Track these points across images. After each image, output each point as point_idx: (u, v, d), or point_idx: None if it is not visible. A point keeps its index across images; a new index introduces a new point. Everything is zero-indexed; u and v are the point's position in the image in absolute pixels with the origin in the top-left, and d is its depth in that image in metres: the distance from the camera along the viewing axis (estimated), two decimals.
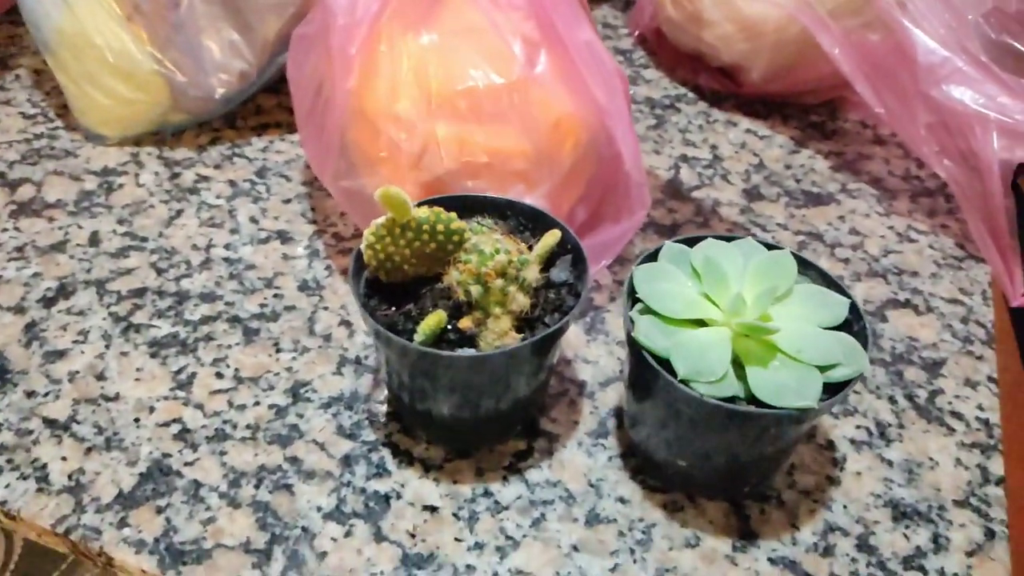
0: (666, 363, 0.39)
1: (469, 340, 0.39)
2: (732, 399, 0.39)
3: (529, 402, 0.44)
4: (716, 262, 0.42)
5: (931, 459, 0.47)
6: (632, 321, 0.41)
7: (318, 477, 0.44)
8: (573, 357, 0.51)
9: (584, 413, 0.48)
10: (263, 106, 0.67)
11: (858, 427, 0.48)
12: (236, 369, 0.48)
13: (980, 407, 0.50)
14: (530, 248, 0.43)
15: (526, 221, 0.45)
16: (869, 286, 0.57)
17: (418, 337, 0.37)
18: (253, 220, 0.58)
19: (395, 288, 0.42)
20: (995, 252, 0.59)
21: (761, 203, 0.63)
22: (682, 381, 0.38)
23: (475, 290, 0.38)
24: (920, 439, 0.48)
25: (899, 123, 0.60)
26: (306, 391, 0.48)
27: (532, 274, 0.39)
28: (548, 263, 0.43)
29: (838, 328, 0.42)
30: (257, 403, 0.47)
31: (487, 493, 0.44)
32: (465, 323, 0.39)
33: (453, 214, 0.40)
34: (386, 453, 0.45)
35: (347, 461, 0.44)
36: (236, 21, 0.58)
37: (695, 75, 0.74)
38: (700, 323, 0.42)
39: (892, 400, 0.50)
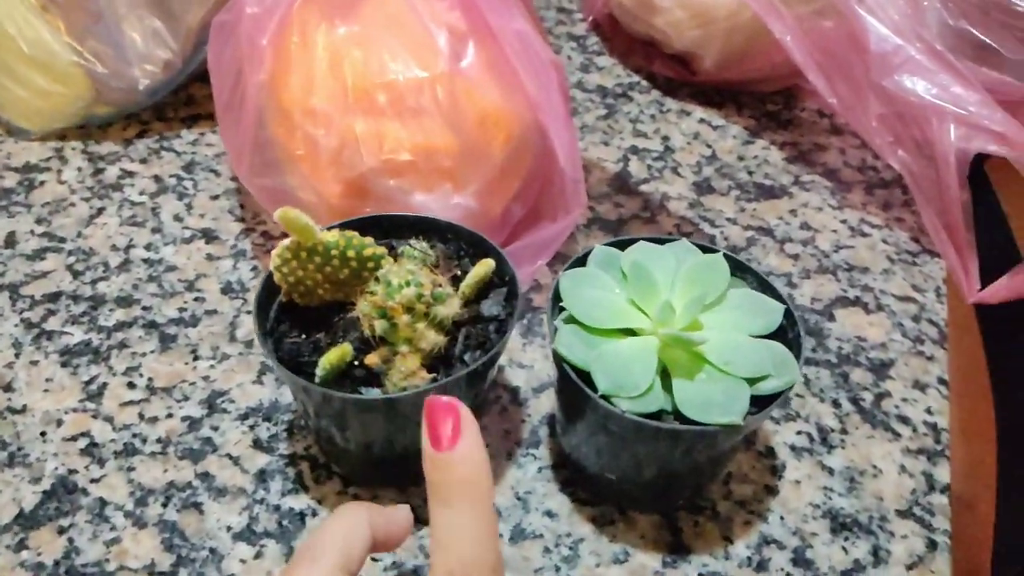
0: (588, 375, 0.37)
1: (377, 377, 0.37)
2: (659, 413, 0.37)
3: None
4: (645, 267, 0.40)
5: (874, 466, 0.45)
6: (555, 330, 0.39)
7: (230, 494, 0.42)
8: (507, 362, 0.49)
9: (516, 421, 0.46)
10: (195, 96, 0.64)
11: (799, 433, 0.46)
12: (150, 378, 0.46)
13: (928, 411, 0.48)
14: (461, 277, 0.40)
15: (467, 246, 0.42)
16: (818, 283, 0.55)
17: (319, 373, 0.35)
18: (177, 218, 0.55)
19: (310, 312, 0.39)
20: (950, 246, 0.57)
21: (711, 197, 0.61)
22: (603, 396, 0.36)
23: (380, 325, 0.35)
24: (864, 445, 0.46)
25: (852, 113, 0.57)
26: (223, 401, 0.45)
27: (449, 310, 0.36)
28: (482, 294, 0.40)
29: (773, 335, 0.40)
30: (170, 415, 0.45)
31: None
32: (372, 359, 0.36)
33: (369, 239, 0.37)
34: (304, 467, 0.43)
35: (262, 476, 0.42)
36: (159, 9, 0.56)
37: (649, 62, 0.71)
38: (629, 332, 0.40)
39: (836, 404, 0.48)
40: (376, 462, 0.41)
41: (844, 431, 0.47)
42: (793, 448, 0.46)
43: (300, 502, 0.41)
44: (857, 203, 0.61)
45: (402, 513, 0.33)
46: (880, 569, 0.41)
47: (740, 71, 0.66)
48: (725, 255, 0.42)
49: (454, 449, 0.28)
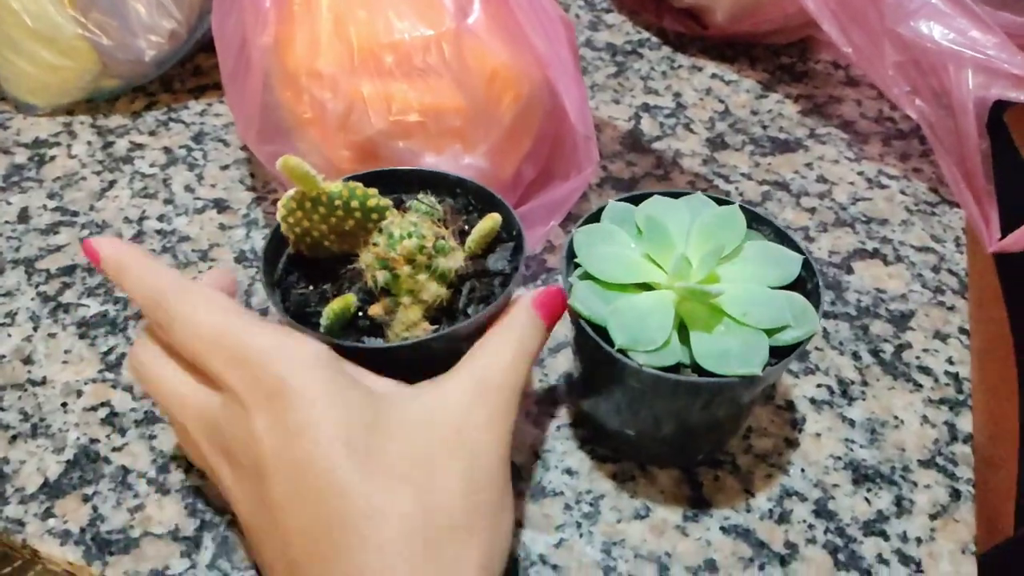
0: (605, 331, 0.37)
1: (381, 328, 0.37)
2: (676, 366, 0.36)
3: None
4: (659, 221, 0.40)
5: (896, 417, 0.45)
6: (570, 286, 0.39)
7: None
8: None
9: (533, 381, 0.46)
10: (201, 66, 0.64)
11: (819, 386, 0.46)
12: None
13: (950, 360, 0.48)
14: (468, 231, 0.40)
15: (476, 201, 0.42)
16: (835, 236, 0.54)
17: (323, 322, 0.35)
18: (188, 189, 0.55)
19: (319, 264, 0.39)
20: (970, 196, 0.56)
21: (725, 152, 0.60)
22: (620, 350, 0.36)
23: (382, 276, 0.35)
24: (884, 397, 0.46)
25: (868, 63, 0.56)
26: None
27: (452, 262, 0.36)
28: (489, 249, 0.40)
29: (791, 286, 0.39)
30: None
31: None
32: (375, 310, 0.36)
33: (373, 190, 0.36)
34: None
35: None
36: None
37: (659, 18, 0.70)
38: (645, 287, 0.39)
39: (856, 356, 0.48)
40: None
41: (865, 383, 0.46)
42: (813, 401, 0.45)
43: None
44: (874, 155, 0.60)
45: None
46: (904, 519, 0.41)
47: (752, 23, 0.65)
48: (741, 207, 0.42)
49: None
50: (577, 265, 0.40)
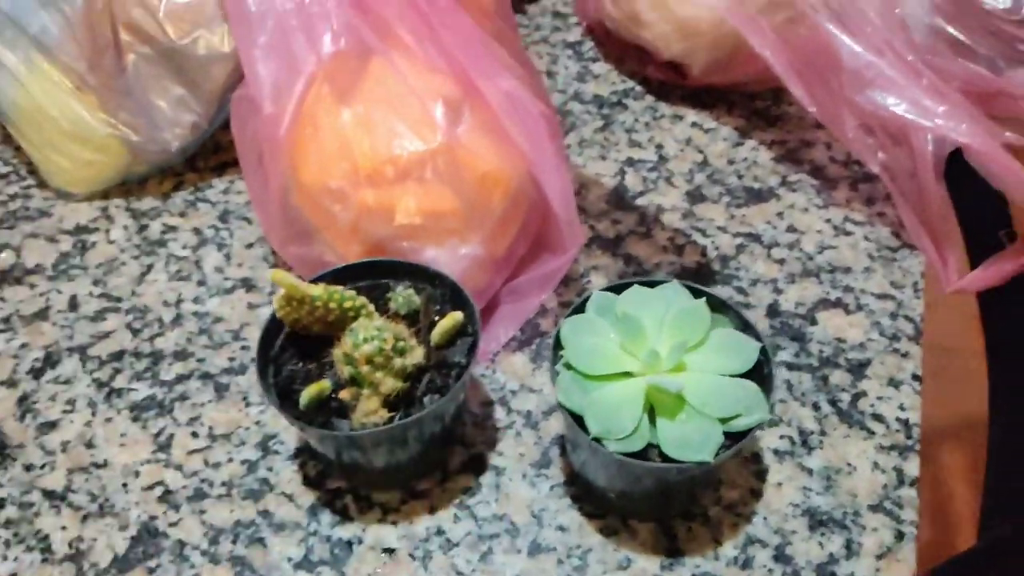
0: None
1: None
2: (646, 449, 0.42)
3: (438, 447, 0.50)
4: (633, 317, 0.45)
5: (849, 464, 0.51)
6: (556, 375, 0.45)
7: (288, 528, 0.49)
8: (519, 387, 0.55)
9: (529, 444, 0.52)
10: (220, 143, 0.70)
11: (782, 437, 0.52)
12: (210, 427, 0.53)
13: (901, 407, 0.53)
14: (437, 320, 0.47)
15: (450, 293, 0.49)
16: (802, 287, 0.60)
17: (302, 403, 0.44)
18: (218, 270, 0.61)
19: (311, 341, 0.47)
20: (928, 241, 0.61)
21: (703, 205, 0.65)
22: (595, 439, 0.42)
23: (347, 370, 0.43)
24: (840, 445, 0.52)
25: (831, 122, 0.61)
26: (274, 443, 0.52)
27: (411, 359, 0.44)
28: (451, 341, 0.47)
29: (752, 370, 0.45)
30: (230, 459, 0.52)
31: (440, 531, 0.48)
32: (344, 395, 0.44)
33: (350, 292, 0.45)
34: (348, 499, 0.50)
35: (313, 510, 0.49)
36: (181, 78, 0.61)
37: (643, 67, 0.75)
38: (625, 374, 0.45)
39: (816, 407, 0.53)
40: (358, 469, 0.49)
41: (823, 432, 0.52)
42: (776, 452, 0.51)
43: (347, 531, 0.48)
44: (841, 200, 0.65)
45: None
46: (852, 561, 0.47)
47: (727, 77, 0.69)
48: (709, 297, 0.47)
49: None
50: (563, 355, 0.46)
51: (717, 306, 0.48)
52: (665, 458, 0.42)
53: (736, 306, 0.47)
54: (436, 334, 0.46)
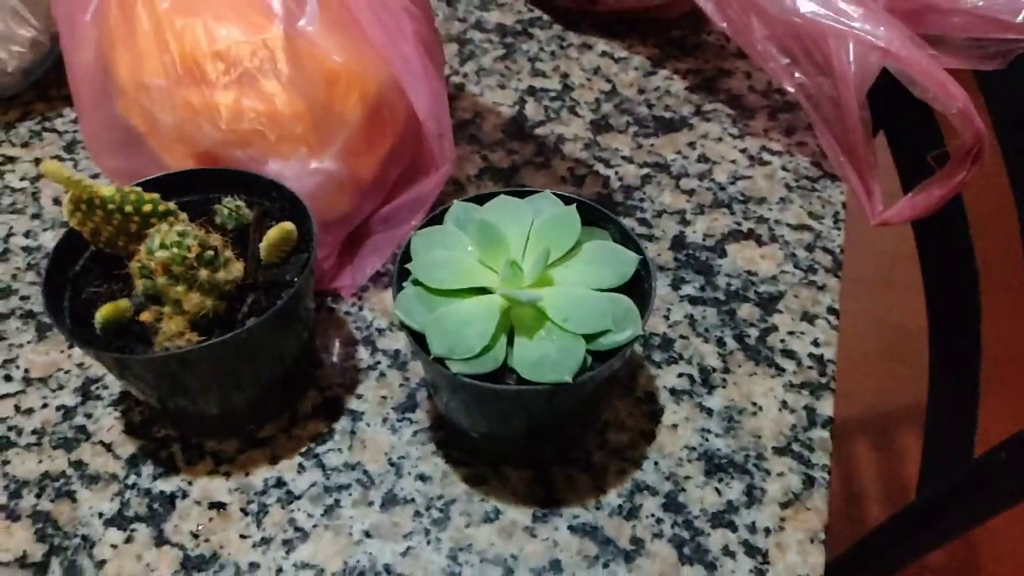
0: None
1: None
2: (501, 372, 0.36)
3: (282, 388, 0.43)
4: (492, 225, 0.39)
5: (755, 404, 0.45)
6: (400, 290, 0.39)
7: (102, 480, 0.42)
8: (387, 326, 0.48)
9: (394, 386, 0.46)
10: None
11: (680, 375, 0.46)
12: (26, 370, 0.46)
13: (815, 343, 0.48)
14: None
15: (289, 207, 0.42)
16: (712, 218, 0.54)
17: (96, 323, 0.36)
18: (57, 202, 0.54)
19: (120, 262, 0.39)
20: (851, 169, 0.55)
21: (608, 135, 0.59)
22: (437, 359, 0.36)
23: (142, 284, 0.36)
24: (745, 383, 0.46)
25: (743, 38, 0.55)
26: (97, 388, 0.45)
27: (225, 274, 0.37)
28: (286, 259, 0.40)
29: (629, 287, 0.39)
30: (45, 405, 0.45)
31: (280, 483, 0.42)
32: (145, 316, 0.37)
33: (152, 195, 0.38)
34: (176, 448, 0.43)
35: (134, 461, 0.42)
36: None
37: None
38: (481, 291, 0.39)
39: (720, 343, 0.47)
40: (185, 416, 0.42)
41: (727, 370, 0.46)
42: (673, 392, 0.45)
43: (170, 484, 0.42)
44: (759, 130, 0.59)
45: None
46: (753, 509, 0.41)
47: (638, 0, 0.64)
48: (588, 205, 0.41)
49: None
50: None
51: (597, 218, 0.41)
52: (523, 382, 0.36)
53: (616, 216, 0.41)
54: (263, 248, 0.39)
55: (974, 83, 0.60)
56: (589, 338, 0.36)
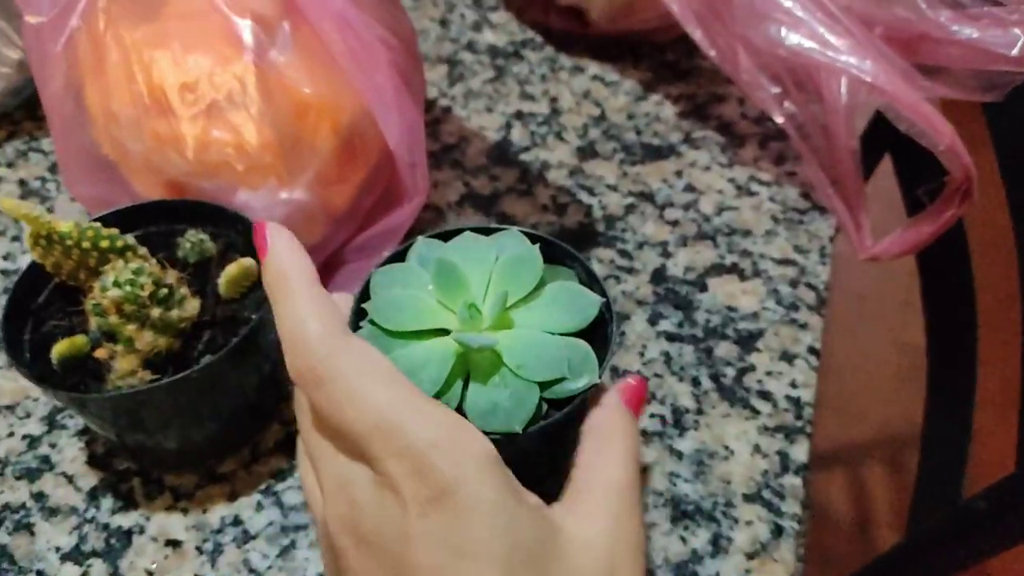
0: None
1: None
2: None
3: (243, 423, 0.43)
4: (452, 266, 0.38)
5: (726, 447, 0.44)
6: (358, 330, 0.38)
7: (62, 513, 0.41)
8: None
9: None
10: None
11: (652, 416, 0.45)
12: None
13: (793, 383, 0.46)
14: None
15: (251, 240, 0.41)
16: (695, 251, 0.52)
17: (53, 359, 0.36)
18: None
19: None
20: (839, 201, 0.54)
21: (594, 162, 0.58)
22: None
23: (96, 322, 0.35)
24: (718, 425, 0.45)
25: (731, 67, 0.54)
26: (63, 417, 0.45)
27: (179, 312, 0.36)
28: (244, 293, 0.40)
29: (593, 329, 0.38)
30: (11, 433, 0.44)
31: (236, 522, 0.41)
32: (100, 353, 0.37)
33: (111, 231, 0.37)
34: (136, 483, 0.43)
35: (94, 494, 0.42)
36: (2, 9, 0.54)
37: (545, 16, 0.68)
38: (442, 331, 0.38)
39: (695, 382, 0.46)
40: (144, 451, 0.41)
41: (700, 411, 0.45)
42: (644, 433, 0.44)
43: (129, 519, 0.41)
44: (748, 159, 0.58)
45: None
46: (718, 559, 0.40)
47: (630, 23, 0.62)
48: (552, 243, 0.40)
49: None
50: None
51: (562, 256, 0.40)
52: None
53: (583, 256, 0.40)
54: (222, 284, 0.39)
55: (981, 112, 0.58)
56: (544, 385, 0.35)
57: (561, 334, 0.37)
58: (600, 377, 0.36)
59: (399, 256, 0.41)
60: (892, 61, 0.50)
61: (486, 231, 0.41)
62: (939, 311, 0.68)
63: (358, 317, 0.39)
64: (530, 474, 0.40)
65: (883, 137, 0.62)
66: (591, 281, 0.40)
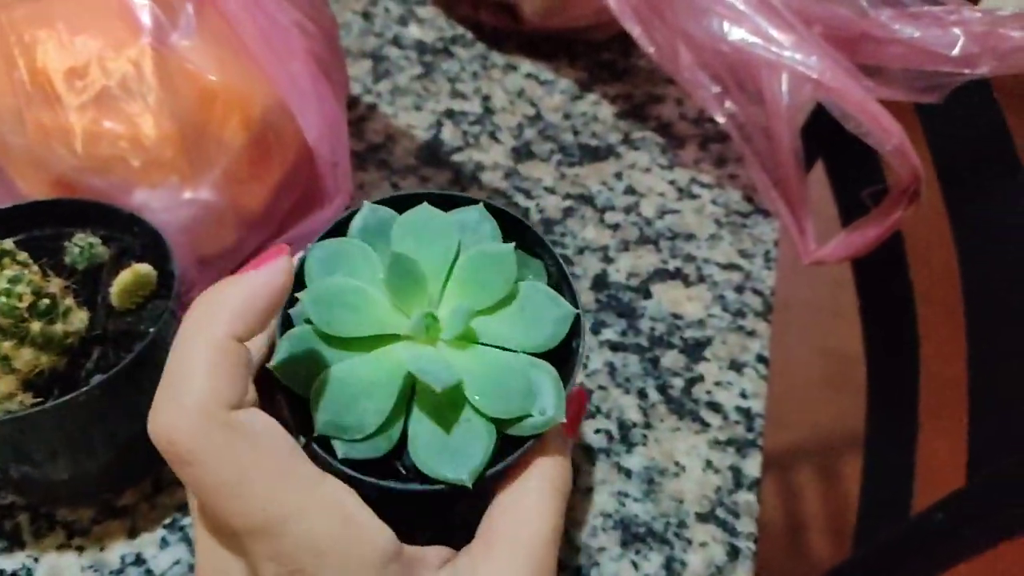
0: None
1: None
2: (389, 456, 0.30)
3: (142, 452, 0.38)
4: (409, 263, 0.31)
5: (677, 463, 0.41)
6: (282, 332, 0.32)
7: None
8: None
9: None
10: None
11: (598, 431, 0.42)
12: None
13: (743, 394, 0.44)
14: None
15: (152, 243, 0.37)
16: (637, 256, 0.50)
17: None
18: None
19: None
20: (783, 204, 0.52)
21: (530, 163, 0.55)
22: (321, 437, 0.30)
23: None
24: (668, 440, 0.42)
25: (671, 65, 0.52)
26: None
27: (69, 326, 0.31)
28: (142, 304, 0.35)
29: (560, 345, 0.33)
30: None
31: (139, 560, 0.36)
32: None
33: None
34: (23, 518, 0.37)
35: None
36: None
37: (475, 11, 0.65)
38: (393, 337, 0.33)
39: (642, 395, 0.43)
40: (30, 483, 0.36)
41: (648, 425, 0.42)
42: (588, 450, 0.41)
43: (15, 561, 0.36)
44: (689, 160, 0.56)
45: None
46: None
47: (564, 19, 0.60)
48: (520, 225, 0.34)
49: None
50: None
51: (532, 244, 0.35)
52: (411, 469, 0.30)
53: (560, 254, 0.35)
54: (114, 294, 0.34)
55: (915, 114, 0.58)
56: (504, 423, 0.31)
57: (527, 352, 0.33)
58: (563, 416, 0.31)
59: (341, 226, 0.34)
60: (836, 59, 0.49)
61: (446, 200, 0.35)
62: (876, 316, 0.68)
63: (288, 321, 0.33)
64: (460, 516, 0.36)
65: (816, 140, 0.61)
66: (561, 281, 0.35)
